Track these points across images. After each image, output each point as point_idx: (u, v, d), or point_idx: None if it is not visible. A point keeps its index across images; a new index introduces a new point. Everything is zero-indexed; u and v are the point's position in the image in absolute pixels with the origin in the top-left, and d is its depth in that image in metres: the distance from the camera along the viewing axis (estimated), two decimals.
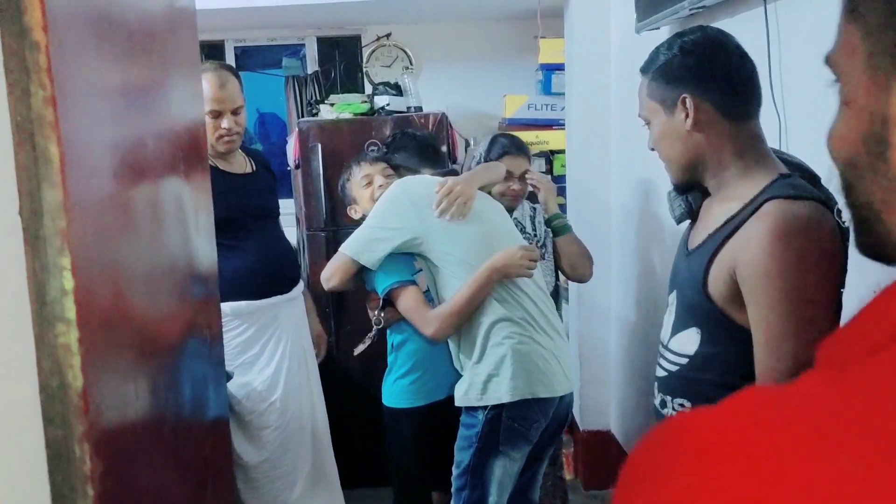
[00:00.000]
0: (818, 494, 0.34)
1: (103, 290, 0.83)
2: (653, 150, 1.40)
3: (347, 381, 3.18)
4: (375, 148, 3.19)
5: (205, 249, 1.40)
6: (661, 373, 1.38)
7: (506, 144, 2.48)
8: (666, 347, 1.36)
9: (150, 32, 1.15)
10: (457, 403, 2.07)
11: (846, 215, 0.53)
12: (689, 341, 1.29)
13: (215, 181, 1.72)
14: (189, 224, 1.29)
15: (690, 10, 1.99)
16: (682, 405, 1.32)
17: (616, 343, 3.18)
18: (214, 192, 1.64)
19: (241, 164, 2.49)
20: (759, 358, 1.15)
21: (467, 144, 3.81)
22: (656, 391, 1.40)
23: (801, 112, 1.61)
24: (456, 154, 3.47)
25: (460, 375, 2.11)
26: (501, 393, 1.99)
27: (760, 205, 1.18)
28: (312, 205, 3.43)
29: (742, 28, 1.67)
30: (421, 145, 2.45)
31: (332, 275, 2.13)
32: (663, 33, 2.32)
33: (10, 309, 0.71)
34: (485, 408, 2.01)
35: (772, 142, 1.39)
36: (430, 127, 3.31)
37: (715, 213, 1.29)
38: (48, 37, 0.71)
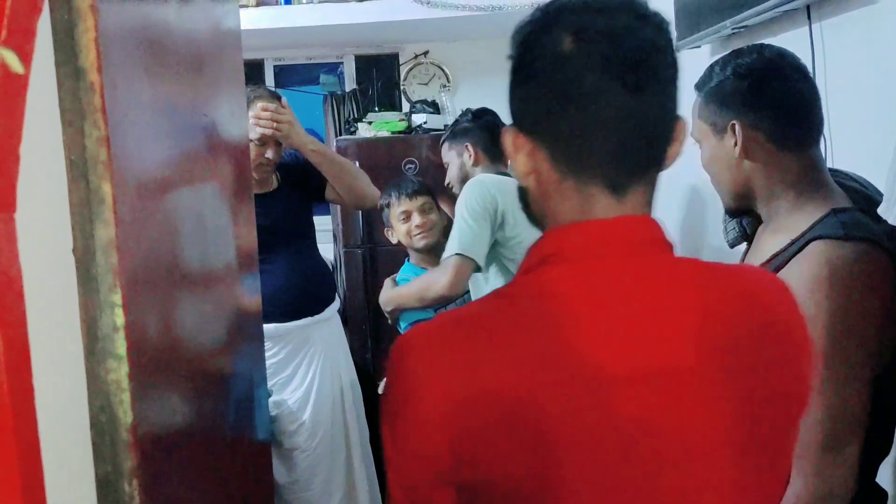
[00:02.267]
0: (484, 358, 0.69)
1: (153, 324, 0.84)
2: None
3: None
4: (413, 166, 3.20)
5: (249, 274, 1.41)
6: None
7: None
8: None
9: (198, 58, 1.16)
10: None
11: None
12: None
13: None
14: (235, 250, 1.30)
15: (732, 29, 1.96)
16: None
17: None
18: None
19: (266, 182, 2.46)
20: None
21: None
22: None
23: (847, 132, 1.57)
24: None
25: None
26: None
27: (806, 244, 1.14)
28: (349, 222, 3.45)
29: (786, 48, 1.64)
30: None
31: (455, 281, 2.12)
32: (704, 52, 2.30)
33: (63, 346, 0.72)
34: None
35: None
36: None
37: (765, 244, 1.25)
38: (102, 77, 0.72)
